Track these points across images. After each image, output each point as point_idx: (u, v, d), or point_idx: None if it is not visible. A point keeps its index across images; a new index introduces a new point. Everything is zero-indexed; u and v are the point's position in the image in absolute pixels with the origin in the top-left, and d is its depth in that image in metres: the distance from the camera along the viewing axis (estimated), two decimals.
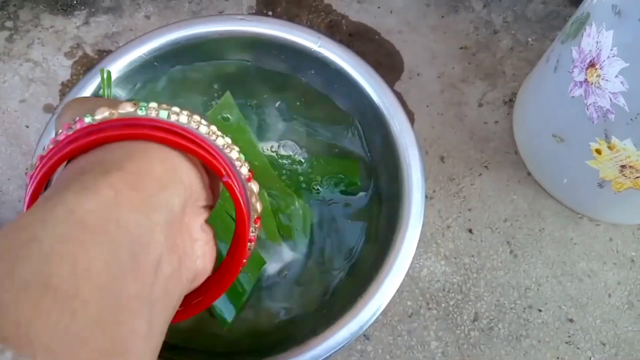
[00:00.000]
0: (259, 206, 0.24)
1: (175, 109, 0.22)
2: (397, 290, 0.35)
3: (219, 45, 0.39)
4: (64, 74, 0.49)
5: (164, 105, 0.22)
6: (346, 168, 0.41)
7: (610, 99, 0.34)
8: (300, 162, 0.41)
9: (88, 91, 0.37)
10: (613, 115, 0.35)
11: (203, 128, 0.22)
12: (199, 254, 0.23)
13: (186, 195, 0.21)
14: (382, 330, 0.43)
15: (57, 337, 0.14)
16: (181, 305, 0.24)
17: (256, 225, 0.25)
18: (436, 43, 0.52)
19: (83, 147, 0.20)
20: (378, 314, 0.35)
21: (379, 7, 0.53)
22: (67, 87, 0.49)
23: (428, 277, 0.44)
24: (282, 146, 0.42)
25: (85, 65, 0.50)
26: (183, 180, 0.21)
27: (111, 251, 0.17)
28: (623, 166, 0.38)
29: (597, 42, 0.34)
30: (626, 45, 0.31)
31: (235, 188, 0.23)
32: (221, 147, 0.22)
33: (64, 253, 0.16)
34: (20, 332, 0.14)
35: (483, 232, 0.46)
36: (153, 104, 0.22)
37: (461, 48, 0.51)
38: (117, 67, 0.37)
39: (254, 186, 0.24)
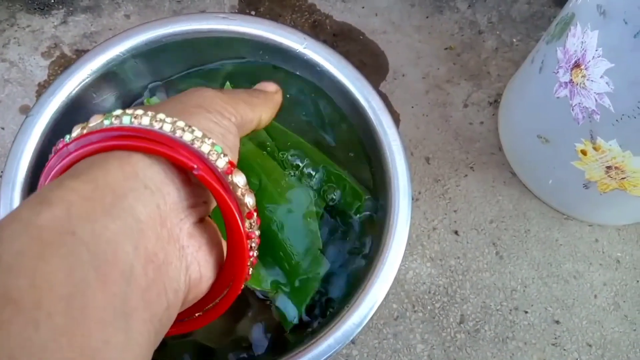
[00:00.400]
0: (249, 199, 0.22)
1: (139, 111, 0.21)
2: None
3: (200, 45, 0.39)
4: (41, 75, 0.48)
5: (129, 111, 0.21)
6: (351, 192, 0.40)
7: (596, 100, 0.34)
8: (309, 175, 0.40)
9: (64, 92, 0.36)
10: (598, 116, 0.34)
11: (166, 126, 0.21)
12: (190, 261, 0.21)
13: (156, 200, 0.20)
14: (367, 334, 0.42)
15: (20, 349, 0.14)
16: (194, 312, 0.23)
17: (251, 220, 0.23)
18: (421, 43, 0.51)
19: (59, 173, 0.21)
20: (366, 320, 0.34)
21: (363, 7, 0.52)
22: (44, 88, 0.48)
23: (414, 279, 0.44)
24: (290, 155, 0.41)
25: (63, 65, 0.48)
26: (148, 184, 0.20)
27: (71, 263, 0.16)
28: (609, 167, 0.37)
29: (582, 42, 0.34)
30: (611, 45, 0.31)
31: (210, 180, 0.21)
32: (188, 142, 0.21)
33: (22, 266, 0.16)
34: None
35: (469, 234, 0.46)
36: (117, 112, 0.21)
37: (446, 48, 0.51)
38: (95, 65, 0.36)
39: (238, 178, 0.22)
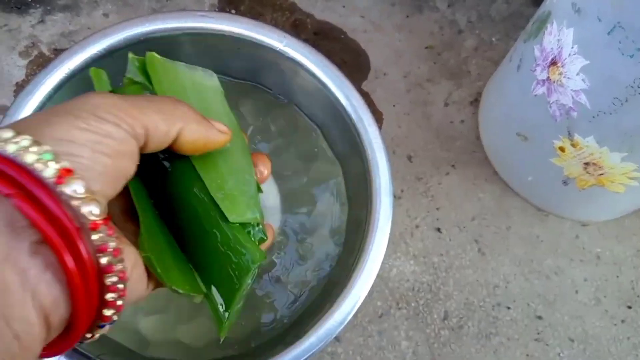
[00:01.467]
0: (91, 208, 0.18)
1: None
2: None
3: (177, 44, 0.38)
4: (19, 74, 0.48)
5: None
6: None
7: (573, 97, 0.34)
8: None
9: (42, 91, 0.35)
10: (575, 113, 0.35)
11: None
12: (36, 283, 0.18)
13: None
14: (352, 332, 0.42)
15: None
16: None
17: (100, 234, 0.19)
18: (401, 42, 0.51)
19: None
20: (349, 317, 0.34)
21: (343, 6, 0.52)
22: (22, 87, 0.47)
23: (398, 276, 0.44)
24: None
25: (41, 64, 0.48)
26: None
27: None
28: (587, 163, 0.38)
29: (558, 40, 0.34)
30: (586, 42, 0.32)
31: (25, 207, 0.18)
32: (11, 155, 0.18)
33: None
34: None
35: (451, 231, 0.46)
36: None
37: (426, 47, 0.51)
38: (72, 64, 0.35)
39: (75, 186, 0.18)
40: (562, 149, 0.38)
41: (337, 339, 0.42)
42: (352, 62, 0.50)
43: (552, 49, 0.35)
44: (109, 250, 0.19)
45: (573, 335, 0.44)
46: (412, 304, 0.44)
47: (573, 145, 0.37)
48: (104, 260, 0.19)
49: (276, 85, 0.42)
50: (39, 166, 0.18)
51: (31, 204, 0.18)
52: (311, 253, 0.41)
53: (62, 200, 0.18)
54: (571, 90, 0.34)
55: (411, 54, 0.51)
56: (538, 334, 0.44)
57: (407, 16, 0.52)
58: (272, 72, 0.41)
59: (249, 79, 0.42)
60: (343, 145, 0.41)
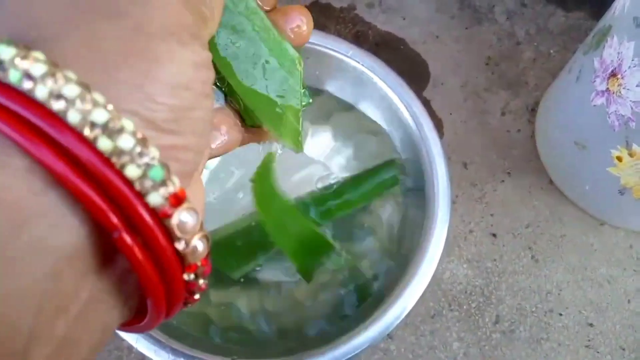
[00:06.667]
0: (198, 243, 0.14)
1: (37, 67, 0.12)
2: None
3: None
4: None
5: (21, 52, 0.12)
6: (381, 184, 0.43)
7: (632, 108, 0.35)
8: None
9: None
10: (634, 123, 0.36)
11: (73, 115, 0.12)
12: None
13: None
14: (405, 330, 0.44)
15: None
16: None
17: (201, 268, 0.14)
18: (460, 53, 0.53)
19: None
20: (403, 316, 0.36)
21: (404, 19, 0.54)
22: None
23: (450, 279, 0.46)
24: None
25: None
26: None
27: None
28: None
29: (618, 53, 0.35)
30: None
31: (135, 253, 0.13)
32: (106, 151, 0.12)
33: None
34: None
35: (505, 237, 0.47)
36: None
37: (484, 59, 0.53)
38: None
39: (186, 216, 0.13)
40: (619, 159, 0.39)
41: (389, 336, 0.44)
42: (412, 71, 0.52)
43: (612, 61, 0.36)
44: (194, 288, 0.15)
45: (624, 344, 0.44)
46: (465, 307, 0.45)
47: (630, 154, 0.38)
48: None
49: (341, 91, 0.45)
50: (146, 186, 0.12)
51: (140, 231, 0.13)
52: (368, 251, 0.43)
53: (168, 242, 0.13)
54: (630, 101, 0.35)
55: (469, 64, 0.53)
56: (589, 340, 0.44)
57: (466, 28, 0.54)
58: (338, 79, 0.44)
59: (316, 86, 0.45)
60: (403, 149, 0.43)
